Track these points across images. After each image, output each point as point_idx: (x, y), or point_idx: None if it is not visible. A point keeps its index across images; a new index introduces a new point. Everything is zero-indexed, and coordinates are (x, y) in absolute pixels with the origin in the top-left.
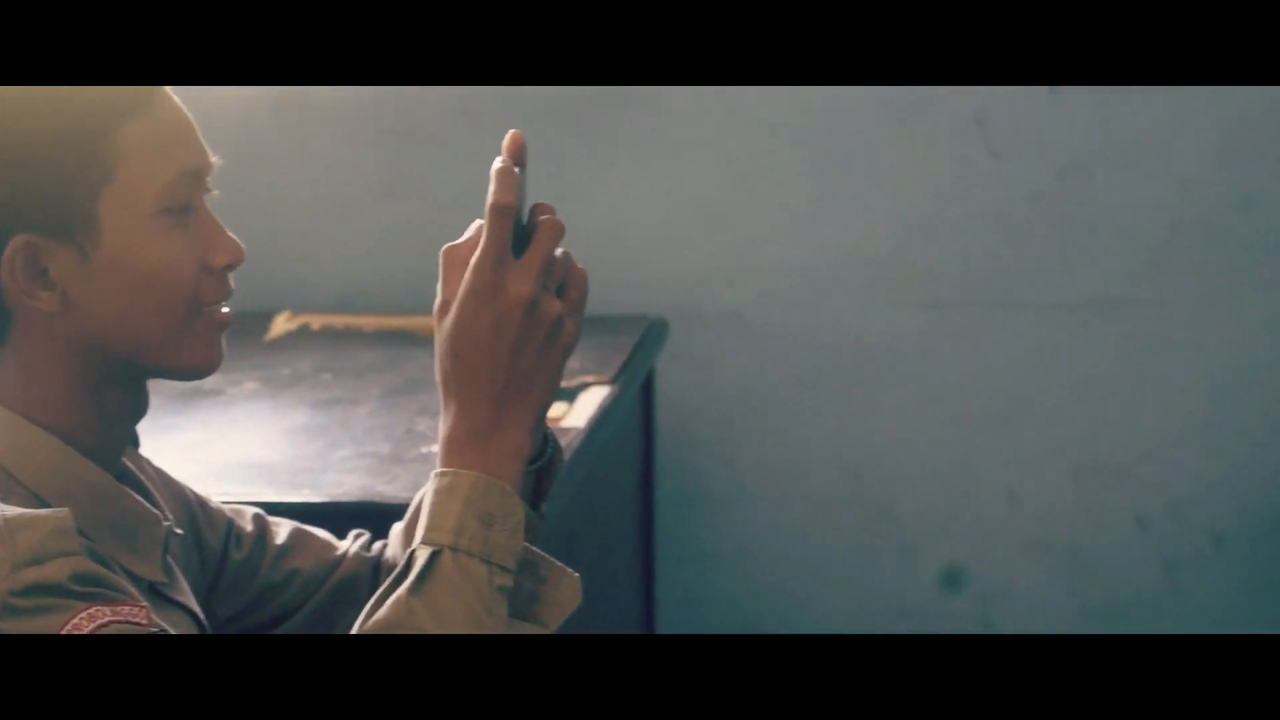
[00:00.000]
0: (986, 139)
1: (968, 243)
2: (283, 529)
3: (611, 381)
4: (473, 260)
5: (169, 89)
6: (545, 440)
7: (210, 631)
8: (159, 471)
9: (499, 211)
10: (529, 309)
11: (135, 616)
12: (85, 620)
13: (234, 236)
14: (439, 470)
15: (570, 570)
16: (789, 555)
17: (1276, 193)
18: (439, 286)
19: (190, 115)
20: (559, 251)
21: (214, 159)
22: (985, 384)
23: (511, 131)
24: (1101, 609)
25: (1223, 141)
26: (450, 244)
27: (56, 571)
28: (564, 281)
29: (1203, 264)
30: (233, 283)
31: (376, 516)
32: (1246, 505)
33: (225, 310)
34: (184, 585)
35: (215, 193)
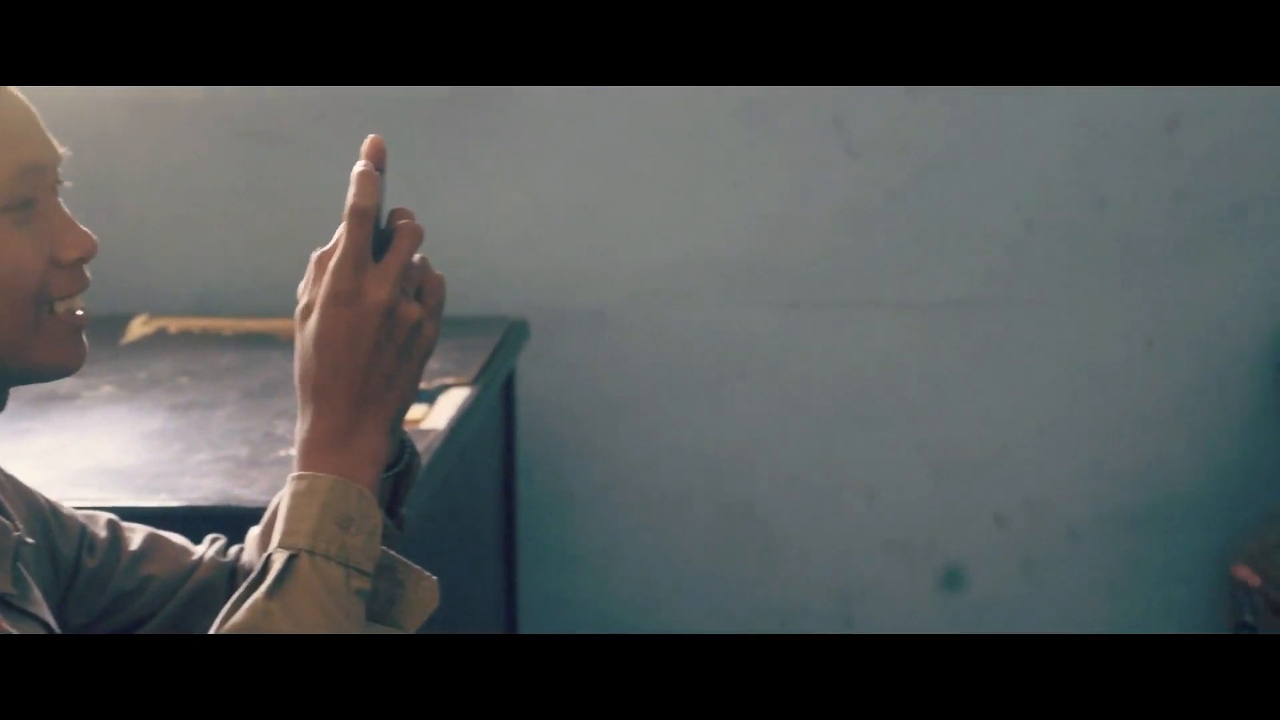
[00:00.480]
0: (844, 139)
1: (826, 242)
2: (137, 535)
3: (472, 383)
4: (331, 264)
5: (13, 88)
6: (403, 446)
7: None
8: (10, 478)
9: (358, 215)
10: (387, 314)
11: None
12: None
13: (85, 229)
14: (296, 474)
15: (428, 574)
16: (650, 555)
17: (1130, 192)
18: (301, 289)
19: (34, 109)
20: (417, 257)
21: (62, 151)
22: (844, 383)
23: (371, 136)
24: (961, 606)
25: (1077, 141)
26: (321, 249)
27: None
28: (422, 287)
29: (1058, 263)
30: (89, 274)
31: (234, 520)
32: (1102, 501)
33: (80, 311)
34: (36, 595)
35: (67, 184)
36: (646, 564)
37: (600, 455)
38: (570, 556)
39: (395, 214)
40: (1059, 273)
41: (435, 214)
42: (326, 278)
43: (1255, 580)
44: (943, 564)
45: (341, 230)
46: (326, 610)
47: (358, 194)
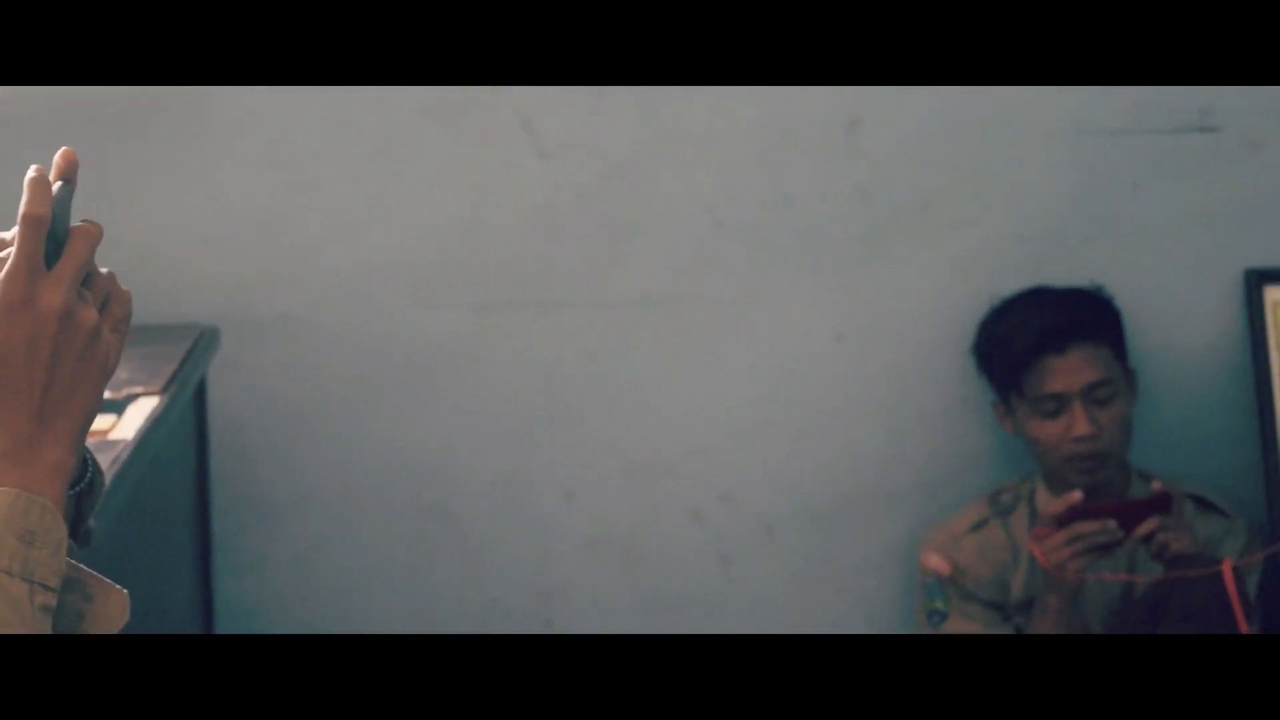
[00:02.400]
0: (533, 139)
1: (516, 244)
2: None
3: (161, 391)
4: (3, 273)
5: None
6: (85, 463)
7: None
8: None
9: (30, 222)
10: (64, 319)
11: None
12: None
13: None
14: None
15: (118, 587)
16: (349, 560)
17: (815, 189)
18: None
19: None
20: (104, 270)
21: None
22: (538, 384)
23: (63, 149)
24: (659, 602)
25: (763, 140)
26: None
27: None
28: (108, 298)
29: (748, 260)
30: None
31: None
32: (796, 494)
33: None
34: None
35: None
36: (345, 569)
37: (296, 461)
38: (267, 564)
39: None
40: (748, 270)
41: (120, 219)
42: None
43: (945, 568)
44: (640, 560)
45: (13, 237)
46: (9, 626)
47: (29, 201)
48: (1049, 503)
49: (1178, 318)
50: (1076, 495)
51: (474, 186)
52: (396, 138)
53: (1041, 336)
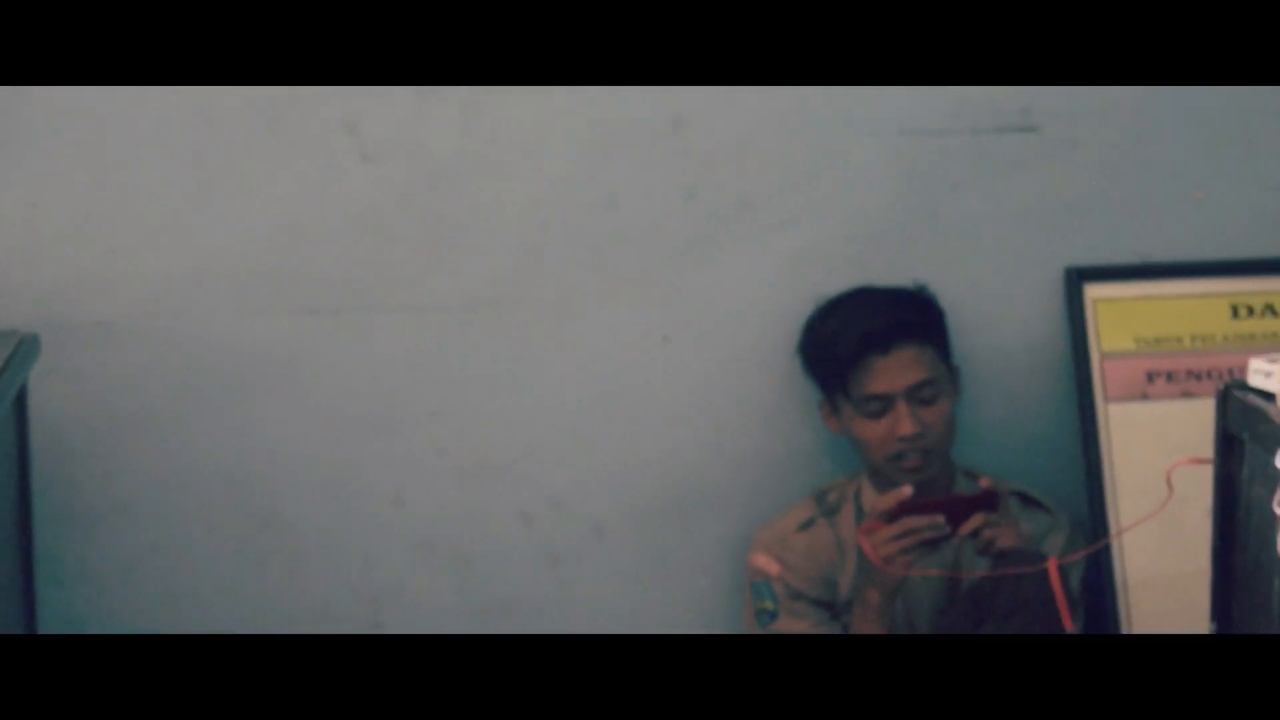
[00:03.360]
0: (357, 142)
1: (340, 248)
2: None
3: None
4: None
5: None
6: None
7: None
8: None
9: None
10: None
11: None
12: None
13: None
14: None
15: None
16: (175, 568)
17: (641, 190)
18: None
19: None
20: None
21: None
22: (365, 388)
23: None
24: (489, 605)
25: (588, 141)
26: None
27: None
28: None
29: (574, 262)
30: None
31: None
32: (625, 496)
33: None
34: None
35: None
36: (171, 577)
37: (119, 469)
38: (91, 574)
39: None
40: (575, 272)
41: None
42: None
43: (774, 568)
44: (469, 564)
45: None
46: None
47: None
48: (878, 498)
49: (1000, 315)
50: (907, 490)
51: (297, 190)
52: (217, 140)
53: (865, 338)
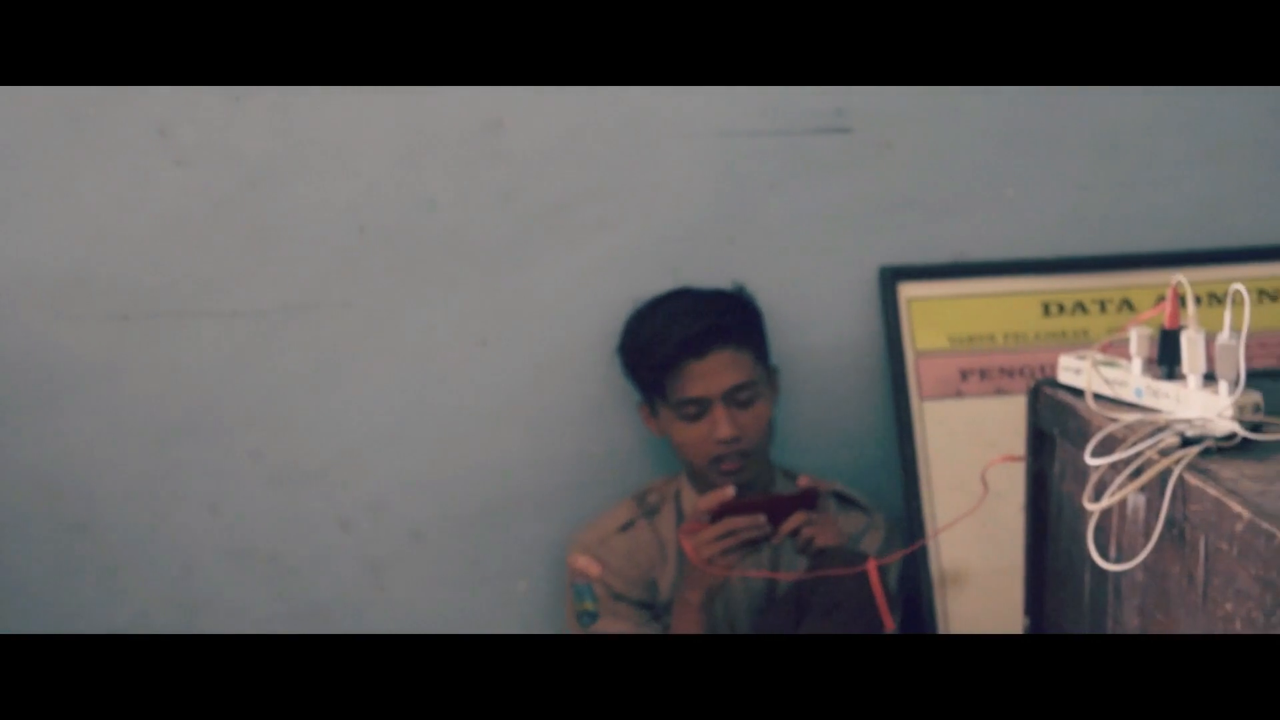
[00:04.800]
0: (169, 146)
1: (154, 253)
2: None
3: None
4: None
5: None
6: None
7: None
8: None
9: None
10: None
11: None
12: None
13: None
14: None
15: None
16: None
17: (458, 193)
18: None
19: None
20: None
21: None
22: (179, 394)
23: None
24: (308, 611)
25: (405, 143)
26: None
27: None
28: None
29: (392, 265)
30: None
31: None
32: (444, 501)
33: None
34: None
35: None
36: None
37: None
38: None
39: None
40: (393, 275)
41: None
42: None
43: (595, 569)
44: (287, 571)
45: None
46: None
47: None
48: (700, 498)
49: (816, 315)
50: (729, 491)
51: (108, 194)
52: (24, 142)
53: (681, 344)
